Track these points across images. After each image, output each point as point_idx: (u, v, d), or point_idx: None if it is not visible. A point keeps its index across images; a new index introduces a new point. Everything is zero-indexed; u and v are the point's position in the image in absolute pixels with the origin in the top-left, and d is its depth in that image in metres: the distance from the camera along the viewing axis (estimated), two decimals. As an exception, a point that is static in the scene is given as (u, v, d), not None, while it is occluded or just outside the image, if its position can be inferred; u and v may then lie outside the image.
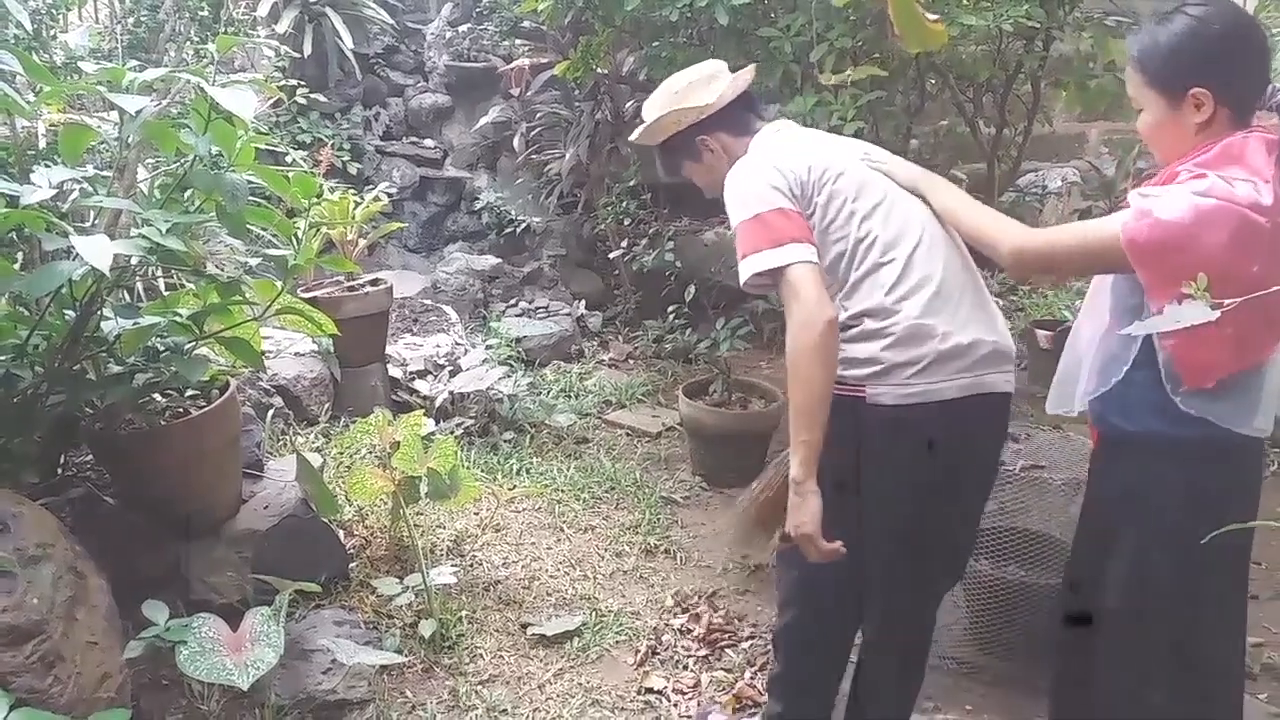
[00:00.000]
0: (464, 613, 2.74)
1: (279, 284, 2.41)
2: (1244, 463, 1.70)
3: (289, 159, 3.96)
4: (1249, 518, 1.61)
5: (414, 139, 6.41)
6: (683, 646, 2.66)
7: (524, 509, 3.40)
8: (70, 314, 2.21)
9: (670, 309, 4.66)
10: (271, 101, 5.04)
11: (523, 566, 3.04)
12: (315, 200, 2.49)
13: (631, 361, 4.97)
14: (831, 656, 2.06)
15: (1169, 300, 1.26)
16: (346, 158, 5.82)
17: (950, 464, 1.79)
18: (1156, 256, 1.48)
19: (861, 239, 1.81)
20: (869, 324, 1.78)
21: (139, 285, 2.90)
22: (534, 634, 2.67)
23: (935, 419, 1.75)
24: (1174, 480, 1.65)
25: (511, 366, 4.46)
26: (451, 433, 3.68)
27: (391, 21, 6.19)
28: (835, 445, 1.72)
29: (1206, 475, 1.64)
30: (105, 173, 2.32)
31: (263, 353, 2.58)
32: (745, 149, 2.01)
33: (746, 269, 1.78)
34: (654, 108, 2.08)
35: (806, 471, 1.71)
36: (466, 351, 4.43)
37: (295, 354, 3.92)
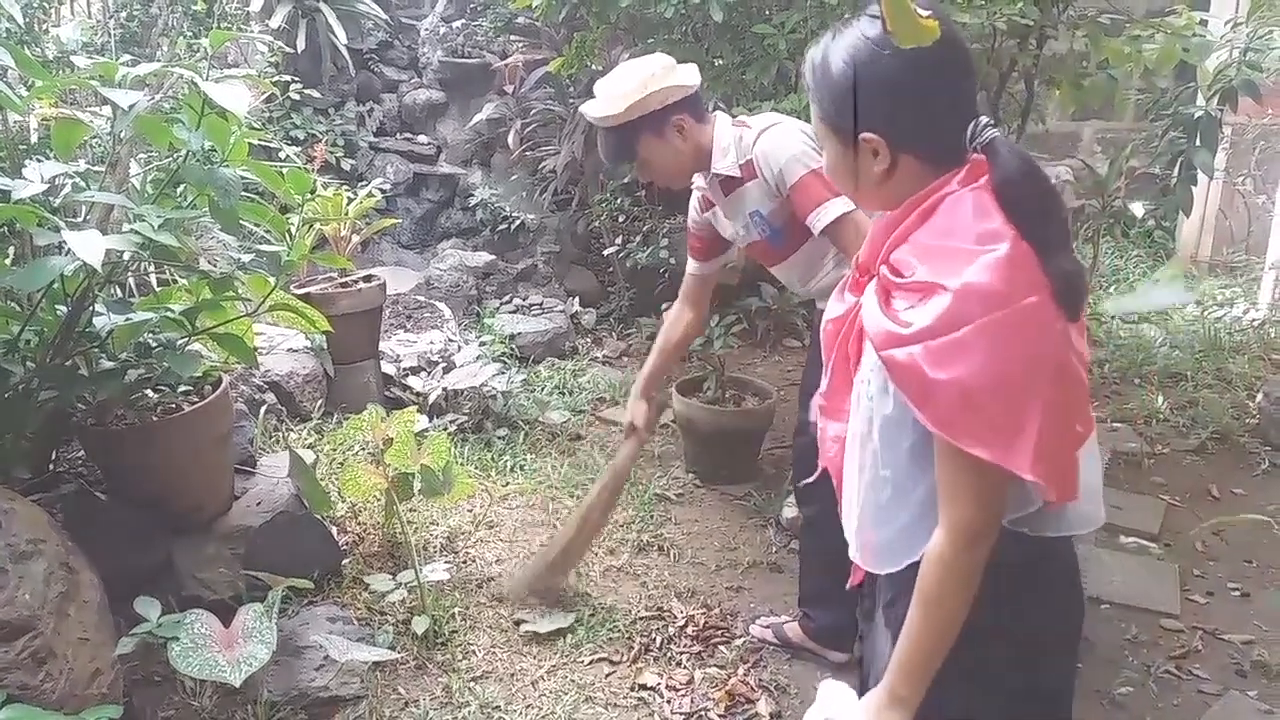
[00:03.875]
0: (457, 609, 2.73)
1: (272, 280, 2.41)
2: None
3: (282, 155, 3.94)
4: None
5: (408, 135, 6.40)
6: (676, 643, 2.66)
7: (517, 506, 3.40)
8: (62, 309, 2.20)
9: (664, 306, 4.64)
10: (265, 97, 5.03)
11: (515, 564, 3.03)
12: (308, 196, 2.49)
13: (625, 358, 4.97)
14: None
15: None
16: (340, 154, 5.81)
17: None
18: None
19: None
20: None
21: (131, 281, 2.89)
22: (527, 631, 2.67)
23: None
24: None
25: (505, 363, 4.45)
26: (445, 429, 3.68)
27: (385, 17, 6.18)
28: None
29: None
30: (97, 168, 2.32)
31: (255, 349, 2.57)
32: (705, 135, 2.28)
33: (827, 215, 2.08)
34: (631, 86, 2.21)
35: None
36: (460, 348, 4.42)
37: (288, 350, 3.90)
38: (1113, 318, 5.20)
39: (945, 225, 1.17)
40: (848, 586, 1.46)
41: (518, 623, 2.71)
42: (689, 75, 2.25)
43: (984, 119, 1.21)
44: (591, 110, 2.28)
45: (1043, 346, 1.12)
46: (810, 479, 1.55)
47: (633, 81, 2.22)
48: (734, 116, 2.39)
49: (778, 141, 2.18)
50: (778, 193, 2.22)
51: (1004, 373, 1.09)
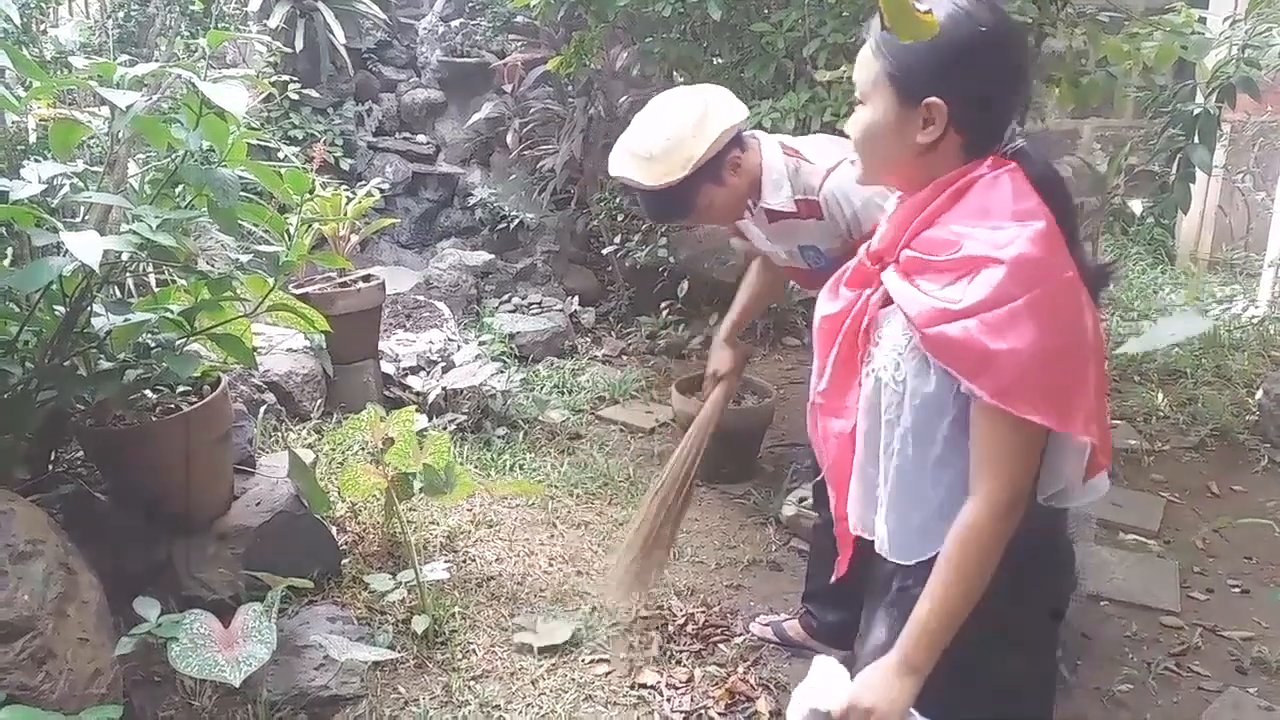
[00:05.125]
0: (457, 609, 2.73)
1: (270, 280, 2.41)
2: None
3: (281, 154, 3.94)
4: None
5: (406, 134, 6.40)
6: (675, 642, 2.66)
7: (517, 505, 3.40)
8: (60, 310, 2.20)
9: (664, 305, 4.67)
10: (263, 97, 5.03)
11: (515, 562, 3.04)
12: (307, 196, 2.49)
13: (625, 357, 4.97)
14: None
15: None
16: (339, 153, 5.80)
17: None
18: None
19: None
20: None
21: (129, 281, 2.89)
22: (520, 642, 2.63)
23: None
24: None
25: (504, 362, 4.45)
26: (444, 429, 3.68)
27: (384, 16, 6.17)
28: None
29: None
30: (95, 168, 2.31)
31: (254, 349, 2.57)
32: (753, 163, 2.08)
33: None
34: (686, 141, 1.97)
35: None
36: (459, 347, 4.42)
37: (287, 350, 3.90)
38: (1113, 314, 5.20)
39: (981, 205, 1.19)
40: (833, 579, 1.47)
41: (517, 629, 2.70)
42: (733, 108, 2.04)
43: (1017, 125, 1.26)
44: (636, 174, 2.03)
45: (1085, 317, 1.17)
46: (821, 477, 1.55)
47: (686, 130, 1.98)
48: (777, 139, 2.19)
49: (848, 183, 1.99)
50: (849, 235, 2.06)
51: (1059, 341, 1.13)
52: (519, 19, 5.59)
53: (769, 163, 2.09)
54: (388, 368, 4.18)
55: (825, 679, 1.33)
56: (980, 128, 1.24)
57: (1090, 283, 1.19)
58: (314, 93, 5.62)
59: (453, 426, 3.82)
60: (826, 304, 1.37)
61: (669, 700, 2.43)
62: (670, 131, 1.98)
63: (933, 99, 1.21)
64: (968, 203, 1.21)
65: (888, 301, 1.28)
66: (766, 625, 2.68)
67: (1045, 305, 1.12)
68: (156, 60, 3.52)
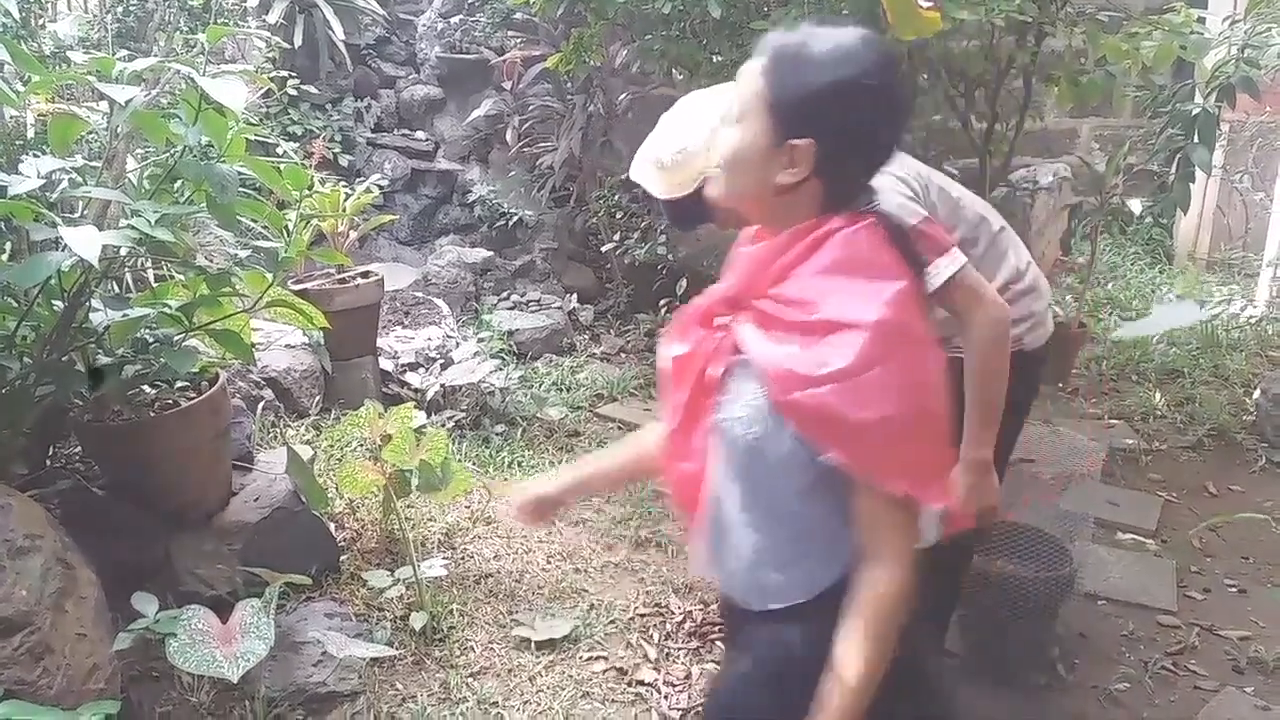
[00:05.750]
0: (455, 605, 2.73)
1: (269, 276, 2.41)
2: None
3: (280, 150, 3.94)
4: None
5: (405, 131, 6.39)
6: (673, 639, 2.66)
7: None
8: (59, 305, 2.20)
9: (662, 302, 4.67)
10: (262, 92, 5.02)
11: (513, 559, 3.04)
12: (306, 192, 2.49)
13: (623, 355, 4.97)
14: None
15: None
16: (337, 149, 5.80)
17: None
18: None
19: (973, 221, 1.99)
20: (1015, 288, 2.00)
21: (128, 276, 2.89)
22: (518, 636, 2.64)
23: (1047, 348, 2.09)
24: None
25: (503, 360, 4.45)
26: (443, 426, 3.68)
27: (383, 12, 6.17)
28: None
29: None
30: (94, 163, 2.31)
31: (253, 345, 2.57)
32: None
33: (929, 284, 1.79)
34: (700, 154, 1.89)
35: (991, 453, 1.87)
36: (458, 344, 4.42)
37: (286, 346, 3.90)
38: (1111, 314, 5.21)
39: (838, 260, 1.13)
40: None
41: (515, 624, 2.71)
42: None
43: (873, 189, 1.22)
44: (652, 183, 1.97)
45: (937, 375, 1.13)
46: None
47: (700, 143, 1.89)
48: None
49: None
50: None
51: (919, 408, 1.11)
52: (518, 15, 5.58)
53: None
54: (386, 364, 4.18)
55: None
56: (844, 178, 1.18)
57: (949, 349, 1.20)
58: (313, 89, 5.62)
59: (451, 424, 3.82)
60: (678, 342, 1.29)
61: (666, 698, 2.43)
62: (684, 143, 1.92)
63: (803, 140, 1.14)
64: (823, 256, 1.14)
65: (740, 349, 1.20)
66: None
67: (907, 370, 1.09)
68: (155, 55, 3.51)
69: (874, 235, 1.15)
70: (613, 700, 2.41)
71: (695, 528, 1.30)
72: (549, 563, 3.03)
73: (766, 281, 1.18)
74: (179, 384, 2.59)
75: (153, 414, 2.46)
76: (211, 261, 3.03)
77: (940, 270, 1.78)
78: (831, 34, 1.16)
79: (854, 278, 1.12)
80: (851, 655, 1.14)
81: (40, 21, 3.38)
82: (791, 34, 1.19)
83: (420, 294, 5.18)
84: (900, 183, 1.86)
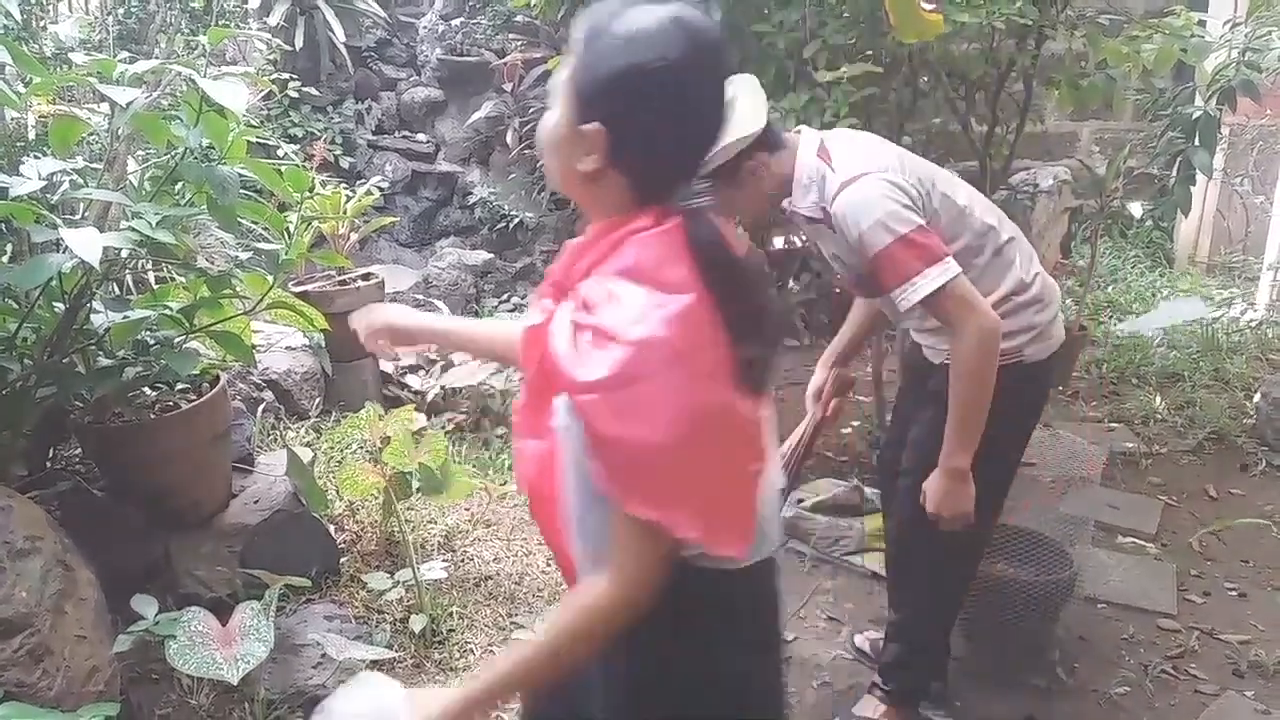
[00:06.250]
0: (454, 608, 2.73)
1: (270, 278, 2.41)
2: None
3: (280, 152, 3.94)
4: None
5: (406, 133, 6.40)
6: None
7: (515, 504, 3.40)
8: (59, 306, 2.20)
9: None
10: (263, 95, 5.02)
11: (513, 562, 3.03)
12: (307, 194, 2.49)
13: (623, 357, 4.97)
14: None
15: None
16: (338, 151, 5.80)
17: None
18: None
19: (979, 230, 1.97)
20: (1017, 299, 1.99)
21: (129, 278, 2.89)
22: (518, 639, 2.63)
23: (1055, 358, 2.08)
24: None
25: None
26: (443, 428, 3.67)
27: (383, 14, 6.17)
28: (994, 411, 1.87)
29: None
30: (95, 165, 2.31)
31: (253, 347, 2.57)
32: (786, 163, 1.98)
33: (915, 294, 1.80)
34: None
35: (969, 462, 1.90)
36: (458, 346, 4.41)
37: (286, 348, 3.90)
38: (1111, 317, 5.21)
39: (628, 266, 1.07)
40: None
41: (515, 627, 2.70)
42: (751, 116, 1.93)
43: (697, 187, 1.13)
44: None
45: (713, 401, 1.05)
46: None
47: None
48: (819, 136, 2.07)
49: (858, 201, 1.86)
50: (860, 253, 1.94)
51: (673, 435, 1.02)
52: (519, 18, 5.59)
53: (803, 165, 1.99)
54: (386, 366, 4.18)
55: (372, 697, 1.23)
56: (647, 172, 1.10)
57: (747, 376, 1.08)
58: (314, 90, 5.62)
59: (451, 426, 3.82)
60: (532, 312, 1.23)
61: (666, 700, 2.42)
62: None
63: (594, 124, 1.07)
64: (619, 259, 1.08)
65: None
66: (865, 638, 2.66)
67: (665, 395, 1.01)
68: (156, 57, 3.51)
69: (672, 241, 1.07)
70: (612, 703, 2.41)
71: (536, 508, 1.25)
72: (549, 565, 3.03)
73: (577, 275, 1.13)
74: (179, 386, 2.59)
75: (153, 416, 2.46)
76: (212, 263, 3.03)
77: (930, 279, 1.79)
78: (641, 12, 1.06)
79: (639, 286, 1.05)
80: (521, 646, 1.14)
81: (41, 23, 3.38)
82: (603, 9, 1.09)
83: (421, 296, 5.18)
84: (896, 189, 1.85)
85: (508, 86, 5.87)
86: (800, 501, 3.21)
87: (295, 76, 5.18)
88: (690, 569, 1.12)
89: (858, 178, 1.88)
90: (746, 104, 1.95)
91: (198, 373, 2.55)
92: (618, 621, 1.10)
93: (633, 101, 1.06)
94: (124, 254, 2.22)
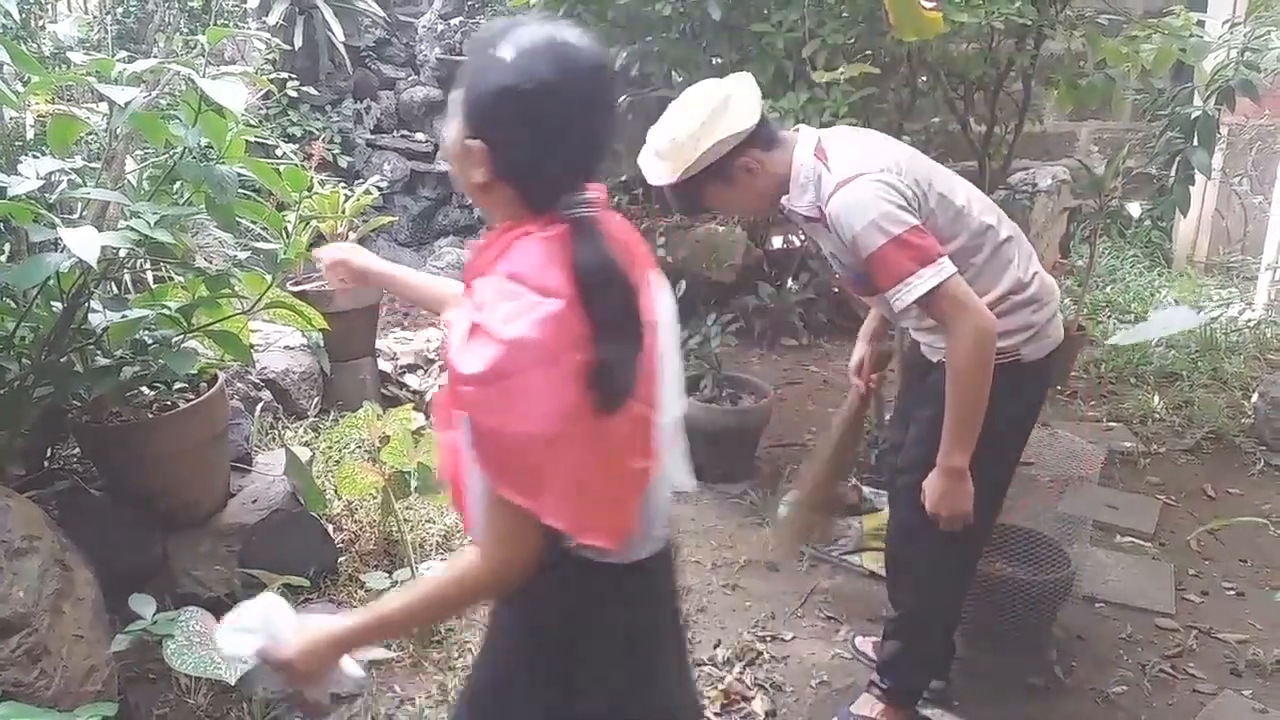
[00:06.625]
0: (453, 607, 2.73)
1: (268, 278, 2.41)
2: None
3: (279, 152, 3.94)
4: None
5: (405, 132, 6.40)
6: (672, 642, 2.66)
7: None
8: (58, 306, 2.20)
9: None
10: (261, 94, 5.03)
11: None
12: (305, 193, 2.49)
13: (622, 357, 4.97)
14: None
15: None
16: (337, 151, 5.80)
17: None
18: None
19: (977, 229, 1.96)
20: (1015, 299, 1.98)
21: (127, 278, 2.89)
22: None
23: (1054, 357, 2.07)
24: None
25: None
26: (441, 427, 3.67)
27: (383, 14, 6.17)
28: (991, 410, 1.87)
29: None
30: (94, 164, 2.31)
31: (251, 346, 2.57)
32: (782, 161, 1.99)
33: (909, 294, 1.81)
34: (685, 145, 1.94)
35: (968, 461, 1.90)
36: (457, 346, 4.42)
37: (285, 347, 3.90)
38: (1110, 316, 5.21)
39: (512, 270, 1.14)
40: None
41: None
42: (744, 113, 1.95)
43: (588, 195, 1.19)
44: (648, 171, 2.03)
45: (582, 399, 1.12)
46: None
47: (683, 134, 1.93)
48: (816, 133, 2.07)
49: (852, 203, 1.86)
50: (854, 254, 1.94)
51: (539, 427, 1.11)
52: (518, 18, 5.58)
53: (800, 163, 1.98)
54: (385, 366, 4.18)
55: (270, 617, 1.31)
56: (532, 184, 1.18)
57: (602, 382, 1.13)
58: (312, 90, 5.62)
59: (450, 425, 3.82)
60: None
61: (665, 700, 2.43)
62: (674, 133, 1.96)
63: (475, 141, 1.15)
64: (507, 260, 1.16)
65: None
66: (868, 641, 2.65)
67: (533, 390, 1.10)
68: (155, 56, 3.51)
69: (553, 247, 1.14)
70: (611, 702, 2.41)
71: (456, 492, 1.31)
72: (547, 565, 3.03)
73: (474, 273, 1.21)
74: (177, 385, 2.59)
75: (151, 415, 2.47)
76: (210, 263, 3.04)
77: (925, 280, 1.80)
78: (521, 34, 1.13)
79: (519, 287, 1.12)
80: (402, 594, 1.25)
81: (40, 22, 3.38)
82: (490, 29, 1.17)
83: (419, 295, 5.18)
84: (890, 190, 1.85)
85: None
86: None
87: (294, 76, 5.17)
88: (570, 558, 1.21)
89: (852, 178, 1.88)
90: (739, 102, 1.96)
91: (196, 372, 2.56)
92: (484, 593, 1.23)
93: (510, 122, 1.13)
94: (122, 253, 2.22)
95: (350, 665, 1.32)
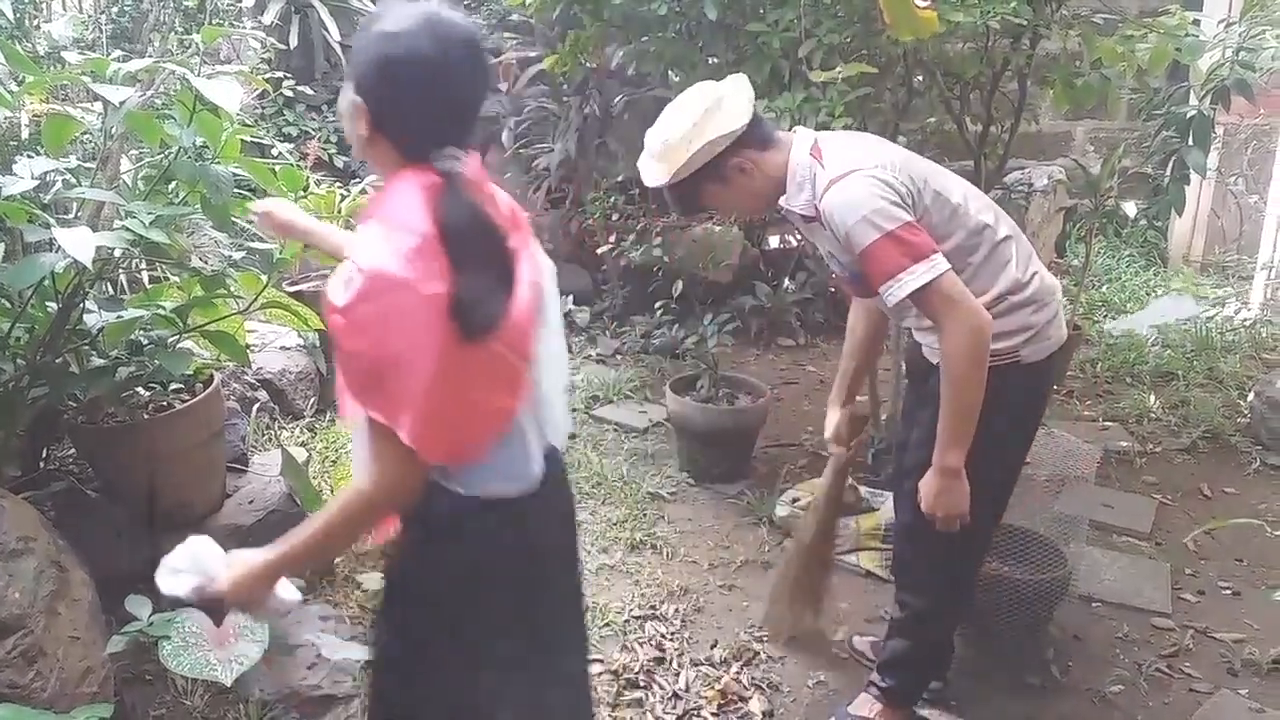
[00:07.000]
0: (450, 608, 2.73)
1: (264, 278, 2.40)
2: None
3: (275, 151, 3.93)
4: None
5: (401, 132, 6.38)
6: (668, 642, 2.66)
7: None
8: (53, 306, 2.19)
9: (658, 305, 4.66)
10: (257, 93, 5.01)
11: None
12: (301, 193, 2.48)
13: (619, 357, 4.97)
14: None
15: None
16: (333, 150, 5.78)
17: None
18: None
19: (974, 228, 1.95)
20: (1013, 299, 1.97)
21: (122, 278, 2.88)
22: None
23: (1055, 358, 2.06)
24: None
25: (498, 361, 4.44)
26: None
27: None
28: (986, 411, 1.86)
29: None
30: (88, 164, 2.31)
31: (247, 346, 2.56)
32: (776, 162, 2.00)
33: (901, 289, 1.81)
34: (678, 146, 1.95)
35: (963, 461, 1.89)
36: (453, 346, 4.41)
37: (281, 348, 3.90)
38: (1105, 315, 5.22)
39: (383, 210, 1.30)
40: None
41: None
42: (735, 113, 1.95)
43: (460, 155, 1.31)
44: (645, 173, 2.04)
45: (436, 326, 1.22)
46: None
47: (676, 135, 1.95)
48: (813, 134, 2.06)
49: (845, 199, 1.86)
50: (848, 250, 1.94)
51: (399, 350, 1.22)
52: (514, 17, 5.57)
53: (795, 163, 1.98)
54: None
55: (200, 557, 1.41)
56: (405, 139, 1.32)
57: (463, 313, 1.23)
58: (308, 89, 5.60)
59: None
60: None
61: (661, 701, 2.43)
62: (667, 134, 1.97)
63: (357, 98, 1.31)
64: (383, 205, 1.31)
65: None
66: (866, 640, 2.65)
67: (391, 317, 1.21)
68: (150, 56, 3.50)
69: (421, 191, 1.27)
70: (607, 703, 2.41)
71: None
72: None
73: (364, 219, 1.34)
74: (173, 386, 2.58)
75: (147, 416, 2.46)
76: (206, 263, 3.03)
77: (917, 276, 1.80)
78: (399, 10, 1.29)
79: (385, 225, 1.26)
80: (306, 526, 1.34)
81: (35, 22, 3.36)
82: (382, 5, 1.35)
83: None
84: (884, 185, 1.85)
85: (503, 86, 5.86)
86: (795, 500, 3.21)
87: (289, 75, 5.16)
88: (439, 490, 1.34)
89: (846, 175, 1.89)
90: (731, 102, 1.97)
91: (191, 373, 2.55)
92: (369, 516, 1.34)
93: (383, 83, 1.29)
94: (117, 253, 2.22)
95: (285, 589, 1.42)
